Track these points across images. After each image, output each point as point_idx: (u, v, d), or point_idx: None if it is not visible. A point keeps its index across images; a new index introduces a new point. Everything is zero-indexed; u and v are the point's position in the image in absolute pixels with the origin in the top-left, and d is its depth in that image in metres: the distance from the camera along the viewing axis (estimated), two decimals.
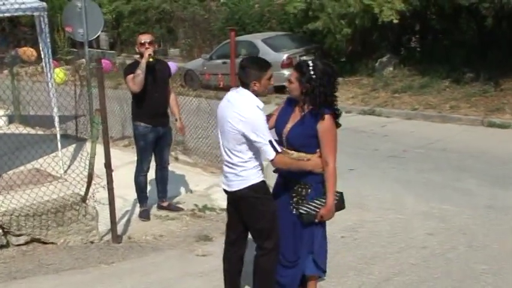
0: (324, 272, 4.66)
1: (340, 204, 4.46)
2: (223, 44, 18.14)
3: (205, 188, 8.25)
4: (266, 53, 16.78)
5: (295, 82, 4.30)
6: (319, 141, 4.27)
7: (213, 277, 5.49)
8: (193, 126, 9.97)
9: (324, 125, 4.22)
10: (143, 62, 6.63)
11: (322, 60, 4.43)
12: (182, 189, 8.21)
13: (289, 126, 4.37)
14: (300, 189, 4.38)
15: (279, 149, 4.20)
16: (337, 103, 4.38)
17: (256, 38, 17.86)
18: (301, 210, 4.35)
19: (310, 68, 4.24)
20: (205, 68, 18.09)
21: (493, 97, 12.84)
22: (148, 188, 7.29)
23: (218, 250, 6.03)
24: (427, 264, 5.68)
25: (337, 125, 4.35)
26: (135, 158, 7.24)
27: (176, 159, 9.55)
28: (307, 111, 4.30)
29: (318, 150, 4.30)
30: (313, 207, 4.33)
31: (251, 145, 4.24)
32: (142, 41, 6.76)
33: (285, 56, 16.59)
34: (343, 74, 16.68)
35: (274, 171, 4.56)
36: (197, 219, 7.18)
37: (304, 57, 15.19)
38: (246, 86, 4.30)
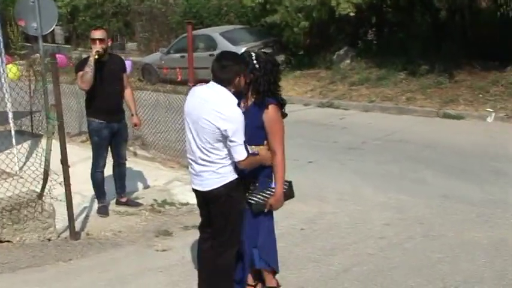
0: (271, 266, 4.61)
1: (289, 193, 4.50)
2: (181, 37, 18.03)
3: (164, 182, 8.20)
4: (224, 46, 16.72)
5: None
6: (266, 132, 4.28)
7: (173, 272, 5.47)
8: (151, 120, 9.90)
9: (269, 115, 4.25)
10: (91, 59, 6.54)
11: (263, 52, 4.55)
12: (141, 184, 8.15)
13: None
14: (247, 184, 4.38)
15: (250, 150, 4.16)
16: (281, 93, 4.41)
17: (214, 32, 17.80)
18: (250, 200, 4.37)
19: (253, 57, 4.29)
20: (163, 62, 17.94)
21: (447, 89, 13.09)
22: (107, 183, 7.20)
23: (178, 245, 6.04)
24: (385, 254, 5.76)
25: (283, 115, 4.38)
26: None
27: (135, 154, 9.46)
28: (251, 102, 4.33)
29: (265, 142, 4.31)
30: (262, 197, 4.36)
31: (226, 143, 4.16)
32: (93, 37, 6.67)
33: (243, 49, 16.51)
34: (301, 67, 16.79)
35: None
36: (156, 214, 7.13)
37: (263, 50, 15.22)
38: (225, 82, 4.15)
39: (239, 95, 4.28)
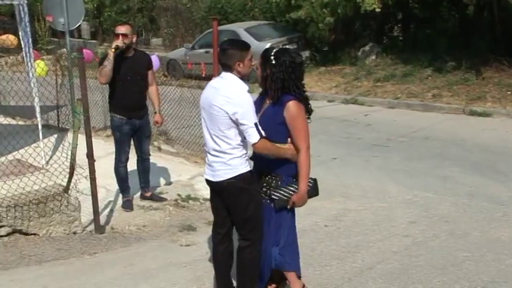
0: (292, 266, 4.52)
1: (313, 191, 4.41)
2: (206, 33, 18.07)
3: (188, 177, 8.23)
4: (249, 42, 16.47)
5: (259, 68, 4.33)
6: (288, 129, 4.23)
7: (196, 267, 5.49)
8: (176, 115, 9.93)
9: (290, 111, 4.18)
10: (110, 53, 6.57)
11: (289, 48, 4.47)
12: (165, 179, 8.18)
13: (258, 116, 4.29)
14: (270, 180, 4.34)
15: (263, 133, 4.14)
16: (301, 90, 4.29)
17: (239, 27, 17.79)
18: (273, 196, 4.30)
19: (272, 54, 4.25)
20: (187, 57, 18.00)
21: (474, 85, 12.94)
22: (131, 178, 7.25)
23: (201, 240, 6.05)
24: (410, 252, 5.72)
25: (309, 111, 4.32)
26: None
27: (159, 149, 9.51)
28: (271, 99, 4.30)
29: (289, 139, 4.27)
30: (286, 193, 4.30)
31: (239, 130, 4.18)
32: (116, 32, 6.71)
33: (267, 45, 16.48)
34: (326, 63, 16.73)
35: (250, 158, 4.46)
36: (180, 209, 7.16)
37: (287, 46, 15.20)
38: (228, 68, 4.25)
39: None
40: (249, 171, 4.33)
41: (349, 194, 7.55)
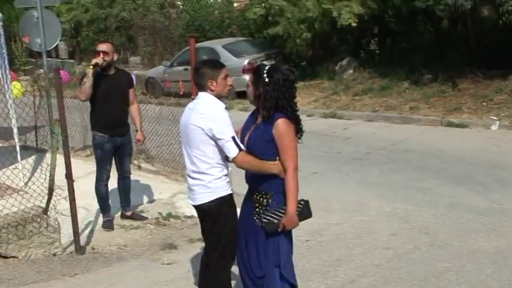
0: (291, 283, 4.32)
1: (305, 213, 4.23)
2: (184, 50, 18.09)
3: (169, 195, 8.20)
4: (227, 59, 16.75)
5: (250, 86, 4.21)
6: (277, 147, 4.10)
7: (179, 285, 5.47)
8: (155, 133, 9.91)
9: (279, 129, 4.04)
10: (88, 70, 6.61)
11: (280, 64, 4.32)
12: (146, 198, 8.15)
13: (248, 133, 4.24)
14: (261, 199, 4.19)
15: (242, 146, 4.10)
16: (293, 109, 4.15)
17: (217, 44, 17.86)
18: (263, 219, 4.16)
19: (265, 71, 4.12)
20: (166, 75, 17.98)
21: (451, 97, 13.10)
22: (111, 197, 7.21)
23: (183, 258, 6.03)
24: (391, 264, 5.74)
25: (300, 131, 4.19)
26: None
27: (139, 167, 9.48)
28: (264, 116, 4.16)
29: (277, 158, 4.13)
30: (275, 216, 4.11)
31: (217, 148, 4.14)
32: (97, 50, 6.73)
33: (246, 62, 16.61)
34: (305, 77, 16.81)
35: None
36: (162, 227, 7.12)
37: (266, 62, 15.27)
38: (202, 87, 4.26)
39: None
40: (230, 194, 4.29)
41: (330, 208, 7.57)
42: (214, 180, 4.22)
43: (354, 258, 5.97)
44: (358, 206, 7.58)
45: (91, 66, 6.58)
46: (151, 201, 8.07)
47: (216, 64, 4.39)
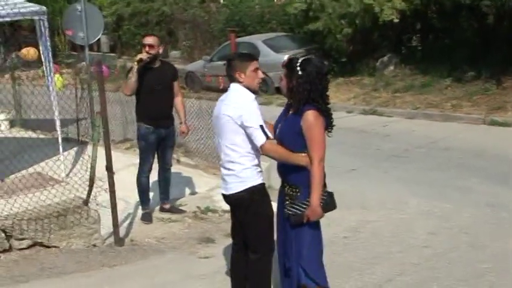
0: (317, 282, 4.31)
1: (329, 205, 4.24)
2: (224, 45, 18.14)
3: (207, 189, 8.24)
4: (267, 54, 16.79)
5: (284, 79, 4.24)
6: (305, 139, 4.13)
7: (215, 279, 5.49)
8: (194, 128, 9.95)
9: (307, 121, 4.07)
10: (134, 66, 6.68)
11: (313, 57, 4.34)
12: (184, 191, 8.20)
13: (280, 126, 4.30)
14: (290, 191, 4.24)
15: (270, 135, 4.15)
16: (326, 102, 4.19)
17: (257, 39, 17.85)
18: (288, 211, 4.22)
19: (298, 64, 4.14)
20: (206, 69, 18.08)
21: (494, 95, 12.83)
22: (151, 191, 7.29)
23: (220, 252, 6.05)
24: (430, 264, 5.67)
25: (330, 124, 4.20)
26: (137, 161, 7.24)
27: (178, 161, 9.53)
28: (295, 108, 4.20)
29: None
30: (300, 208, 4.16)
31: (247, 137, 4.21)
32: (144, 43, 6.79)
33: (285, 57, 16.51)
34: (344, 74, 16.70)
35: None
36: (199, 221, 7.17)
37: (310, 56, 15.21)
38: (233, 79, 4.36)
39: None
40: (261, 183, 4.34)
41: (367, 205, 7.52)
42: (244, 170, 4.29)
43: (392, 256, 5.91)
44: (396, 204, 7.51)
45: (135, 62, 6.65)
46: (189, 194, 8.13)
47: (246, 56, 4.46)
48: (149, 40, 6.81)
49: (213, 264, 5.87)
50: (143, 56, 6.69)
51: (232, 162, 4.31)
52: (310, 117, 4.08)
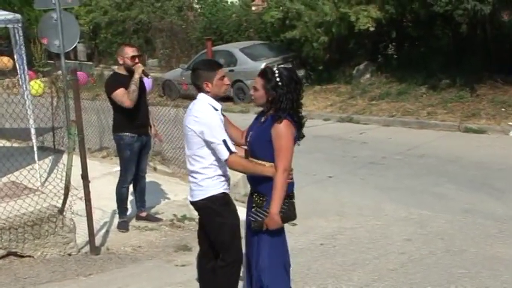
0: None
1: (289, 214, 4.20)
2: (201, 53, 18.14)
3: (184, 197, 8.17)
4: (244, 62, 16.84)
5: (260, 90, 4.18)
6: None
7: (192, 287, 5.45)
8: (171, 136, 9.93)
9: (278, 129, 4.06)
10: (136, 77, 6.69)
11: (286, 67, 4.37)
12: (161, 200, 8.17)
13: (251, 133, 4.29)
14: (258, 199, 4.23)
15: (233, 149, 4.17)
16: (302, 111, 4.23)
17: (234, 47, 17.89)
18: (250, 218, 4.22)
19: (276, 74, 4.12)
20: (183, 78, 18.04)
21: (469, 103, 12.99)
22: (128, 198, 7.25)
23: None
24: (406, 269, 5.70)
25: (300, 136, 4.21)
26: (114, 169, 7.24)
27: (155, 169, 9.50)
28: (268, 116, 4.19)
29: None
30: (261, 215, 4.16)
31: (211, 150, 4.24)
32: (132, 55, 6.77)
33: (263, 65, 16.56)
34: (321, 82, 16.80)
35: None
36: (176, 229, 7.14)
37: (283, 66, 15.27)
38: (199, 88, 4.36)
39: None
40: (222, 193, 4.36)
41: (345, 212, 7.55)
42: (206, 179, 4.32)
43: (368, 262, 5.94)
44: (374, 211, 7.55)
45: (137, 75, 6.67)
46: (166, 203, 8.09)
47: (211, 65, 4.44)
48: (135, 51, 6.87)
49: (189, 272, 5.82)
50: (142, 67, 6.83)
51: (196, 172, 4.35)
52: (283, 127, 4.08)
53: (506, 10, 13.55)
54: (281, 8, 17.22)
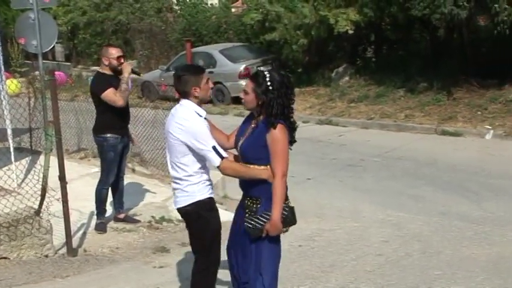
0: None
1: (289, 220, 4.19)
2: (181, 55, 18.12)
3: (162, 199, 8.19)
4: (223, 63, 16.84)
5: (251, 93, 4.11)
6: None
7: None
8: (150, 137, 9.90)
9: (273, 134, 4.01)
10: (126, 76, 6.67)
11: (278, 71, 4.27)
12: (139, 201, 8.12)
13: (243, 139, 4.23)
14: (251, 204, 4.19)
15: (224, 154, 4.10)
16: (293, 115, 4.18)
17: (214, 49, 17.89)
18: (248, 224, 4.15)
19: (267, 78, 4.05)
20: (162, 79, 18.00)
21: (445, 106, 13.13)
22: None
23: (175, 261, 6.03)
24: (383, 271, 5.75)
25: (292, 141, 4.17)
26: (92, 170, 7.19)
27: (133, 170, 9.47)
28: (260, 121, 4.13)
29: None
30: (260, 221, 4.10)
31: (196, 157, 4.18)
32: (118, 55, 6.76)
33: (242, 67, 16.65)
34: (300, 84, 16.83)
35: None
36: (154, 230, 7.12)
37: (262, 68, 15.30)
38: (186, 94, 4.26)
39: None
40: (208, 197, 4.33)
41: (323, 214, 7.59)
42: (191, 185, 4.27)
43: (346, 264, 5.97)
44: (352, 213, 7.60)
45: (126, 74, 6.66)
46: (144, 204, 8.05)
47: (197, 70, 4.38)
48: (119, 52, 6.88)
49: (167, 273, 5.83)
50: (131, 66, 6.85)
51: (180, 179, 4.29)
52: (278, 132, 4.03)
53: (482, 15, 13.71)
54: (261, 10, 17.28)
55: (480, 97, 13.03)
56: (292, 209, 4.23)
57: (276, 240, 4.23)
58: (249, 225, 4.14)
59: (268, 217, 4.08)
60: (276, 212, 4.05)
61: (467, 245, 6.29)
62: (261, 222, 4.10)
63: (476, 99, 13.00)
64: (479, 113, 12.46)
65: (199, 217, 4.30)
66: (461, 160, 9.90)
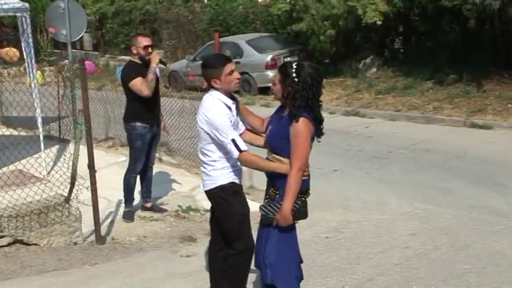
0: (282, 284, 4.23)
1: (300, 213, 4.17)
2: (207, 45, 18.12)
3: (189, 189, 8.23)
4: (250, 54, 16.83)
5: (278, 84, 4.15)
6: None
7: (196, 278, 5.49)
8: (177, 127, 9.95)
9: (296, 127, 4.01)
10: (154, 66, 6.68)
11: (308, 62, 4.25)
12: (166, 190, 8.17)
13: (271, 127, 4.28)
14: (272, 193, 4.24)
15: (243, 147, 4.21)
16: (321, 109, 4.16)
17: (240, 39, 17.87)
18: (261, 211, 4.21)
19: (294, 70, 4.05)
20: (189, 69, 18.04)
21: (475, 98, 12.96)
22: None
23: (202, 251, 6.05)
24: (410, 264, 5.71)
25: (320, 133, 4.18)
26: (119, 159, 7.24)
27: (160, 160, 9.52)
28: (286, 112, 4.15)
29: None
30: (272, 210, 4.15)
31: (219, 145, 4.30)
32: (146, 44, 6.79)
33: (269, 57, 16.62)
34: (327, 75, 16.71)
35: None
36: (181, 220, 7.16)
37: (289, 58, 15.25)
38: (210, 85, 4.37)
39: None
40: (230, 183, 4.41)
41: (349, 205, 7.56)
42: (214, 170, 4.41)
43: (373, 256, 5.95)
44: (378, 205, 7.55)
45: (154, 64, 6.67)
46: (171, 193, 8.11)
47: (217, 62, 4.36)
48: (149, 41, 6.92)
49: (194, 263, 5.87)
50: (159, 56, 6.84)
51: (205, 163, 4.45)
52: (300, 125, 4.02)
53: None
54: (288, 0, 17.18)
55: (511, 89, 12.84)
56: (305, 203, 4.23)
57: (286, 233, 4.22)
58: (263, 212, 4.23)
59: (279, 207, 4.13)
60: (287, 204, 4.08)
61: (496, 240, 6.22)
62: (273, 211, 4.16)
63: (507, 91, 12.81)
64: (509, 105, 12.27)
65: (222, 200, 4.44)
66: (490, 153, 9.77)
